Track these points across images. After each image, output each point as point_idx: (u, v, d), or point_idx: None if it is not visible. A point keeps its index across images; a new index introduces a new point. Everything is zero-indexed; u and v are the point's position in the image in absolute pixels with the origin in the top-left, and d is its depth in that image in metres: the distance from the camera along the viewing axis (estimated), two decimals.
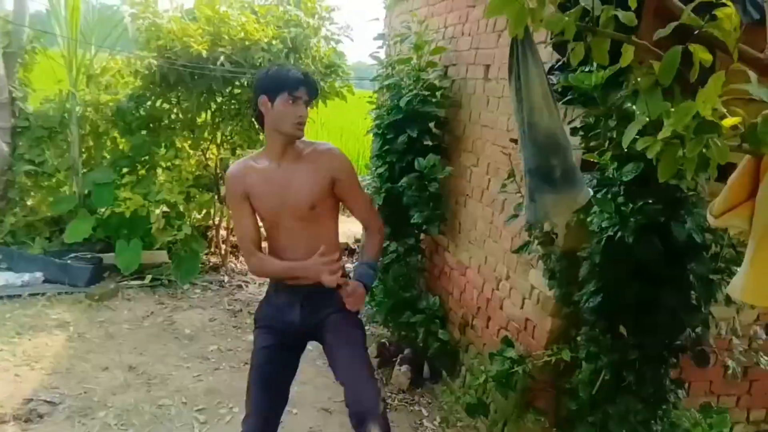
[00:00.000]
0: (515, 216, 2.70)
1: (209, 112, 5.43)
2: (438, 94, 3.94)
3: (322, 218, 2.20)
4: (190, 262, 5.14)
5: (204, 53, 4.69)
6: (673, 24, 1.05)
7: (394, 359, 3.91)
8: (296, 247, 2.16)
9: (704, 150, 1.06)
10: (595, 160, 2.35)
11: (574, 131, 2.50)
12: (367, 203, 2.38)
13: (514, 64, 1.60)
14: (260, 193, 2.14)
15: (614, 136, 2.24)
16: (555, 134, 1.70)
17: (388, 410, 3.43)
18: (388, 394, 3.63)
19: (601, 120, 2.31)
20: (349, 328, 2.21)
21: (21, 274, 4.72)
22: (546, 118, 1.66)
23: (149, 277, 5.02)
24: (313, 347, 4.24)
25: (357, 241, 6.75)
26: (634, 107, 1.96)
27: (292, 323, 2.21)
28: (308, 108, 2.12)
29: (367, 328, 4.56)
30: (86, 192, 5.19)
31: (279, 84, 2.04)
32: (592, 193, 1.93)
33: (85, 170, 5.35)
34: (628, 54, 1.20)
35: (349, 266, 4.49)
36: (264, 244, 2.30)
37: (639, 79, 1.16)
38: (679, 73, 1.07)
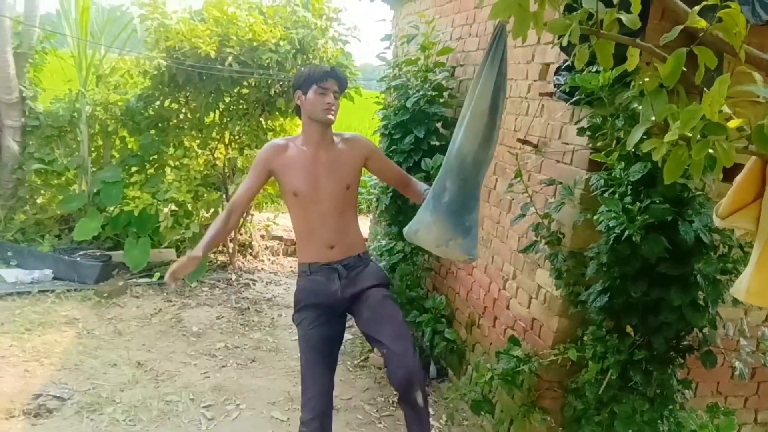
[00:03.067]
0: (522, 215, 2.71)
1: (217, 112, 5.46)
2: (445, 94, 3.95)
3: (349, 206, 2.46)
4: None
5: (212, 54, 4.71)
6: (679, 27, 1.05)
7: None
8: (326, 229, 2.38)
9: (710, 151, 1.06)
10: (602, 160, 2.36)
11: (581, 131, 2.51)
12: (398, 167, 2.77)
13: (481, 68, 1.63)
14: (297, 175, 2.36)
15: (621, 136, 2.24)
16: (460, 158, 1.77)
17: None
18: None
19: (608, 120, 2.31)
20: (387, 303, 2.42)
21: (31, 271, 4.77)
22: (460, 136, 1.75)
23: (157, 274, 5.06)
24: None
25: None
26: (641, 108, 1.97)
27: (335, 292, 2.39)
28: (337, 98, 2.37)
29: None
30: (95, 190, 5.23)
31: (309, 78, 2.32)
32: (476, 257, 1.86)
33: (94, 169, 5.40)
34: (634, 57, 1.21)
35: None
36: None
37: (644, 80, 1.16)
38: (684, 75, 1.07)
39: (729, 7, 1.00)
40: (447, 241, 1.75)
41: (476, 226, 1.75)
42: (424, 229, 1.83)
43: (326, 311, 2.39)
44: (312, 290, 2.42)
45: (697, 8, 1.05)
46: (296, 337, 4.56)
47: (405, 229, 1.83)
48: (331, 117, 2.34)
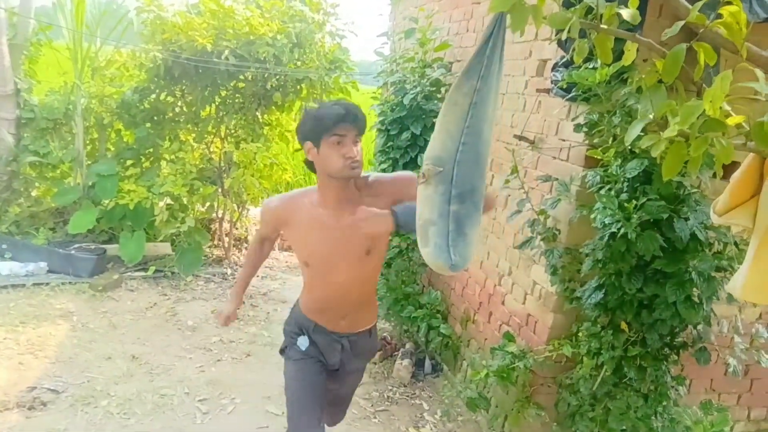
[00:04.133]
0: (518, 212, 2.71)
1: (213, 106, 5.44)
2: (443, 90, 3.94)
3: (371, 274, 2.09)
4: (193, 254, 5.16)
5: (209, 47, 4.69)
6: (680, 23, 1.05)
7: (396, 353, 3.93)
8: (340, 302, 2.05)
9: (709, 148, 1.07)
10: (599, 157, 2.36)
11: (577, 128, 2.51)
12: None
13: (478, 63, 1.31)
14: (310, 242, 1.98)
15: (618, 132, 2.25)
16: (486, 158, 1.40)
17: (389, 403, 3.47)
18: (390, 388, 3.65)
19: (605, 117, 2.32)
20: (353, 387, 2.36)
21: (25, 264, 4.75)
22: (488, 135, 1.38)
23: (152, 268, 5.05)
24: None
25: None
26: (638, 104, 1.97)
27: (333, 365, 2.14)
28: (359, 144, 1.88)
29: None
30: (90, 183, 5.21)
31: (319, 126, 1.82)
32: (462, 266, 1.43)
33: (89, 162, 5.38)
34: (631, 52, 1.21)
35: None
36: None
37: (643, 76, 1.16)
38: (682, 71, 1.07)
39: (730, 3, 1.00)
40: (427, 250, 1.43)
41: (474, 231, 1.43)
42: (477, 244, 1.45)
43: (314, 358, 2.13)
44: (309, 342, 2.12)
45: (698, 4, 1.05)
46: None
47: (456, 260, 1.40)
48: (354, 171, 1.84)
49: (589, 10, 1.16)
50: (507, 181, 2.80)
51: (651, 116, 1.15)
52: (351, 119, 1.82)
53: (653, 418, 2.37)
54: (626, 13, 1.13)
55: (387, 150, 4.05)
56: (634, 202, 2.16)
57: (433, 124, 3.88)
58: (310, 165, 1.95)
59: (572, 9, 1.15)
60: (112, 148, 5.54)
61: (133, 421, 3.04)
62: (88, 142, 5.46)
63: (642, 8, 1.87)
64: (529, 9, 1.15)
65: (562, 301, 2.66)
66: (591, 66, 2.26)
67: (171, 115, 5.48)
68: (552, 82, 2.69)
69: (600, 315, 2.42)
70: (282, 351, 2.21)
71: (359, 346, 2.15)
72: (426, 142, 3.88)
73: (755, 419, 3.14)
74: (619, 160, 2.28)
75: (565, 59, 2.61)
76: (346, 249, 1.94)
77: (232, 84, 5.28)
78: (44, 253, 4.90)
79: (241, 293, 2.27)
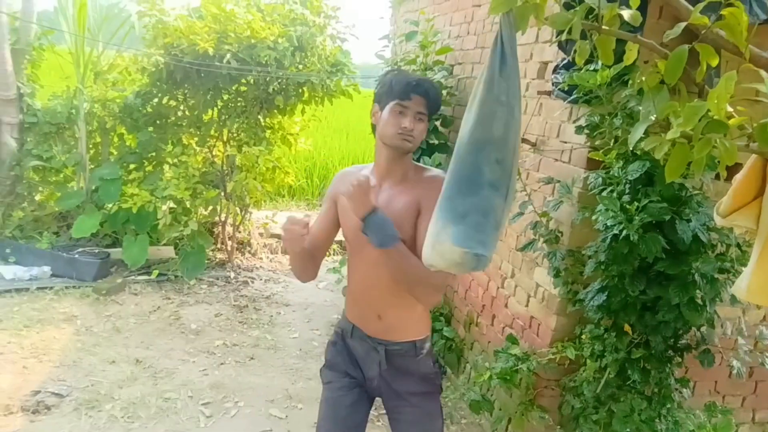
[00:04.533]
0: (520, 214, 2.71)
1: (216, 110, 5.45)
2: (444, 92, 3.94)
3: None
4: (196, 258, 5.17)
5: (210, 51, 4.70)
6: (682, 24, 1.05)
7: None
8: (373, 293, 1.85)
9: (712, 150, 1.06)
10: (601, 159, 2.36)
11: (579, 130, 2.51)
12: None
13: (486, 67, 1.39)
14: (349, 214, 1.77)
15: (620, 134, 2.25)
16: (468, 139, 1.35)
17: None
18: None
19: (607, 118, 2.32)
20: (430, 425, 1.94)
21: (29, 268, 4.76)
22: (501, 133, 1.34)
23: (156, 272, 5.05)
24: (319, 343, 4.26)
25: None
26: (639, 106, 1.97)
27: (372, 379, 1.92)
28: (423, 123, 1.77)
29: None
30: (93, 188, 5.22)
31: (387, 92, 1.77)
32: (477, 251, 1.34)
33: (92, 166, 5.39)
34: (632, 53, 1.21)
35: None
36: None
37: (644, 78, 1.16)
38: (684, 73, 1.07)
39: (732, 5, 1.00)
40: (437, 235, 1.35)
41: (480, 216, 1.33)
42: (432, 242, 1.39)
43: (359, 381, 1.96)
44: (348, 359, 1.96)
45: (700, 5, 1.05)
46: (295, 335, 4.58)
47: (489, 255, 1.36)
48: (405, 144, 1.74)
49: (590, 11, 1.16)
50: None
51: (653, 118, 1.14)
52: (419, 92, 1.74)
53: (657, 420, 2.36)
54: (627, 14, 1.13)
55: None
56: (636, 204, 2.15)
57: (435, 126, 3.92)
58: (373, 129, 1.88)
59: (573, 10, 1.15)
60: (115, 152, 5.55)
61: (137, 425, 3.04)
62: (91, 146, 5.47)
63: (643, 9, 1.87)
64: (531, 8, 1.15)
65: (565, 303, 2.66)
66: (592, 68, 2.26)
67: (173, 119, 5.49)
68: (553, 84, 2.69)
69: (603, 317, 2.42)
70: (321, 370, 2.06)
71: (400, 362, 1.88)
72: (428, 144, 3.90)
73: (760, 421, 3.13)
74: (621, 162, 2.28)
75: (565, 61, 2.62)
76: None
77: (234, 88, 5.28)
78: (48, 257, 4.91)
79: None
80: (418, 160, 3.80)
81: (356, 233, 1.73)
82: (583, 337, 2.55)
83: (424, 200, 1.72)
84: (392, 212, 1.71)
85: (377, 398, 2.01)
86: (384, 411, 2.00)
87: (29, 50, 5.27)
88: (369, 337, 1.89)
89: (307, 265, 1.92)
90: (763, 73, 1.04)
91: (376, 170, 1.86)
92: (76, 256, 4.91)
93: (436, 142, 3.93)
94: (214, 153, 5.62)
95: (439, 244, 1.37)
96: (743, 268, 1.47)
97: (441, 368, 1.98)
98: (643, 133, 1.18)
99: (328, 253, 6.53)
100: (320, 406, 1.98)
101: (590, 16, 1.16)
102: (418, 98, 1.74)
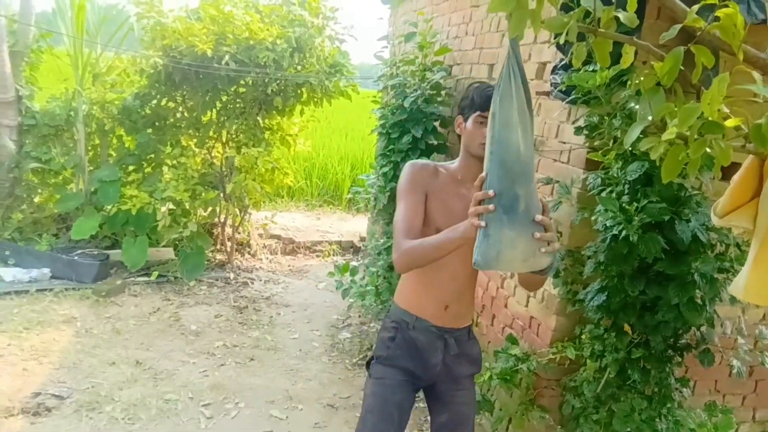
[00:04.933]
0: None
1: (214, 111, 5.45)
2: (443, 93, 3.95)
3: None
4: (195, 259, 5.17)
5: (209, 52, 4.71)
6: (678, 26, 1.05)
7: None
8: (449, 284, 1.95)
9: (708, 150, 1.07)
10: (600, 159, 2.36)
11: (578, 130, 2.51)
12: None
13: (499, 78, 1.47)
14: (446, 204, 1.92)
15: (618, 135, 2.25)
16: (525, 160, 1.50)
17: None
18: None
19: (605, 119, 2.32)
20: (469, 408, 2.05)
21: (29, 270, 4.76)
22: (519, 137, 1.48)
23: (155, 273, 5.06)
24: (319, 343, 4.26)
25: (362, 239, 6.77)
26: (638, 107, 1.97)
27: (434, 366, 2.00)
28: None
29: (371, 325, 4.60)
30: (93, 189, 5.22)
31: (470, 104, 1.90)
32: (557, 266, 1.62)
33: (91, 168, 5.40)
34: (628, 56, 1.21)
35: (354, 263, 4.52)
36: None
37: (641, 79, 1.16)
38: (680, 74, 1.08)
39: (727, 6, 1.01)
40: (534, 252, 1.52)
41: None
42: (508, 247, 1.51)
43: (413, 378, 2.01)
44: (408, 351, 2.00)
45: (695, 7, 1.05)
46: (295, 336, 4.58)
47: (477, 258, 1.52)
48: None
49: (587, 13, 1.16)
50: None
51: (650, 119, 1.15)
52: None
53: (657, 420, 2.36)
54: (624, 17, 1.13)
55: (388, 153, 4.06)
56: (636, 204, 2.15)
57: (434, 127, 3.92)
58: (458, 138, 1.99)
59: (570, 13, 1.15)
60: (114, 154, 5.56)
61: (138, 427, 3.05)
62: (89, 148, 5.48)
63: (640, 11, 1.88)
64: (527, 13, 1.15)
65: (565, 303, 2.66)
66: (590, 69, 2.27)
67: (172, 120, 5.49)
68: (552, 85, 2.69)
69: (603, 317, 2.42)
70: (368, 364, 2.09)
71: (462, 346, 2.02)
72: (427, 144, 3.90)
73: (760, 420, 3.13)
74: (620, 163, 2.28)
75: (564, 62, 2.62)
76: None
77: (232, 89, 5.29)
78: (47, 259, 4.91)
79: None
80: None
81: (445, 228, 1.80)
82: (583, 337, 2.55)
83: None
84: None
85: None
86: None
87: (28, 52, 5.27)
88: (434, 326, 1.97)
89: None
90: (755, 74, 1.04)
91: (463, 174, 1.95)
92: (76, 257, 4.91)
93: (435, 142, 3.93)
94: (213, 154, 5.62)
95: (536, 260, 1.56)
96: (742, 268, 1.47)
97: None
98: (641, 134, 1.18)
99: (327, 254, 6.50)
100: (366, 399, 2.01)
101: (587, 19, 1.16)
102: None
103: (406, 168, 2.00)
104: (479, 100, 1.85)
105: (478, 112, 1.85)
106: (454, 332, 2.00)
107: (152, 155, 5.46)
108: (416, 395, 2.08)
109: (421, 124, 3.84)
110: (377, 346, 2.08)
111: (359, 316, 4.75)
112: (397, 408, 1.97)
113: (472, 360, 2.07)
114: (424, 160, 2.10)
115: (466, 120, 1.91)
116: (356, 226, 7.42)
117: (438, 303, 1.96)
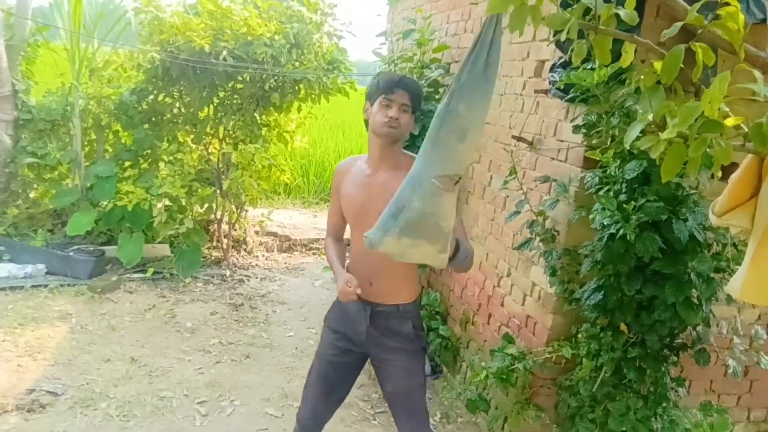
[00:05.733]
0: (517, 213, 2.70)
1: (211, 107, 5.43)
2: (441, 90, 3.94)
3: None
4: (191, 256, 5.15)
5: (206, 48, 4.68)
6: (679, 24, 1.05)
7: None
8: (366, 262, 2.13)
9: (708, 149, 1.06)
10: (597, 158, 2.36)
11: (576, 128, 2.51)
12: None
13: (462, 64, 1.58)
14: (348, 194, 2.16)
15: (617, 133, 2.24)
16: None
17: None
18: None
19: (603, 117, 2.31)
20: (411, 379, 2.22)
21: (24, 266, 4.74)
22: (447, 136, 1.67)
23: (151, 270, 5.04)
24: (314, 341, 4.25)
25: None
26: (636, 105, 1.96)
27: (360, 334, 2.20)
28: (407, 114, 2.06)
29: None
30: (88, 185, 5.20)
31: (375, 89, 2.07)
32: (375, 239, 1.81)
33: (87, 163, 5.37)
34: (628, 55, 1.20)
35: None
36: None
37: (641, 77, 1.16)
38: (680, 72, 1.07)
39: (728, 4, 1.00)
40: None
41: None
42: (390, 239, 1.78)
43: (347, 341, 2.25)
44: (341, 316, 2.27)
45: (697, 5, 1.04)
46: (291, 333, 4.58)
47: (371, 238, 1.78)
48: (391, 132, 2.03)
49: (587, 10, 1.16)
50: (506, 182, 2.79)
51: (650, 117, 1.14)
52: (402, 86, 2.03)
53: (653, 419, 2.37)
54: (624, 14, 1.12)
55: None
56: (633, 203, 2.15)
57: (423, 126, 3.90)
58: (366, 124, 2.16)
59: (570, 9, 1.14)
60: (111, 150, 5.53)
61: (133, 424, 3.04)
62: (86, 143, 5.44)
63: (640, 9, 1.87)
64: (528, 9, 1.14)
65: (561, 302, 2.65)
66: (589, 67, 2.26)
67: (169, 116, 5.47)
68: (550, 83, 2.68)
69: (599, 316, 2.42)
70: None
71: (382, 321, 2.17)
72: (413, 138, 3.88)
73: (755, 420, 3.14)
74: (618, 161, 2.27)
75: (563, 60, 2.61)
76: (375, 206, 2.00)
77: (230, 85, 5.27)
78: (43, 254, 4.88)
79: (342, 267, 2.21)
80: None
81: (355, 213, 2.13)
82: (579, 336, 2.55)
83: None
84: (389, 195, 1.89)
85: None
86: (380, 410, 2.10)
87: (24, 46, 5.24)
88: (361, 299, 2.13)
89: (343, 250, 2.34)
90: (756, 73, 1.03)
91: (371, 160, 2.14)
92: (71, 253, 4.88)
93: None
94: (209, 150, 5.60)
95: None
96: (738, 268, 1.47)
97: (422, 331, 2.26)
98: (640, 133, 1.18)
99: (323, 252, 6.54)
100: (314, 359, 2.33)
101: (587, 16, 1.16)
102: (402, 92, 2.02)
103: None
104: (384, 85, 2.03)
105: (383, 95, 2.02)
106: (378, 306, 2.16)
107: (149, 151, 5.44)
108: (363, 363, 2.32)
109: (419, 122, 3.81)
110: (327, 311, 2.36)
111: None
112: (331, 366, 2.25)
113: (404, 336, 2.19)
114: (347, 159, 2.31)
115: (372, 105, 2.08)
116: None
117: (363, 278, 2.11)
